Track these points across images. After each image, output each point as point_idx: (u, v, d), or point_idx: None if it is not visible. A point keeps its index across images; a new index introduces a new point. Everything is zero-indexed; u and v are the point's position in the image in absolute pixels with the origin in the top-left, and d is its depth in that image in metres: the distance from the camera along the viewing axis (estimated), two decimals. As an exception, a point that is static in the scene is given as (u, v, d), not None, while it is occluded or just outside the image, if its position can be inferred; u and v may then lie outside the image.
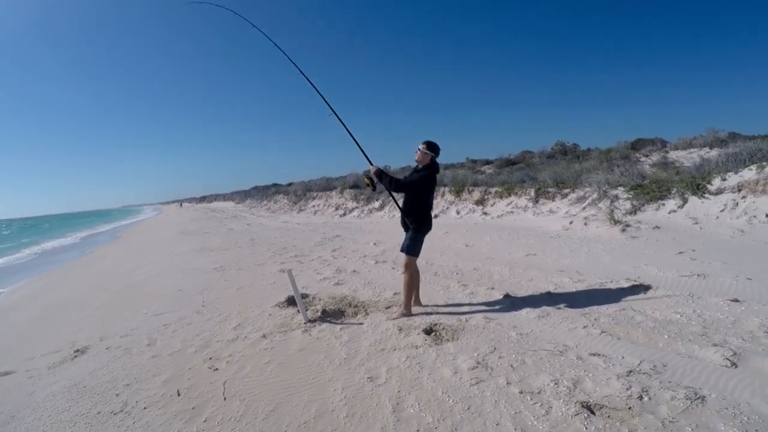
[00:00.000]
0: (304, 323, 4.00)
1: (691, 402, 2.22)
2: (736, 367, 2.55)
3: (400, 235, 4.11)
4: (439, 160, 3.99)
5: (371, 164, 4.09)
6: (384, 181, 3.87)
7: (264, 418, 2.56)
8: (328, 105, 4.46)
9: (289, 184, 34.91)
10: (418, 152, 3.87)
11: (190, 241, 12.81)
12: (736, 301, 3.52)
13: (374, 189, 4.09)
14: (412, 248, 3.91)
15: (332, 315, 4.19)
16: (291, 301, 4.59)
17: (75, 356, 3.95)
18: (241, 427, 2.50)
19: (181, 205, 67.52)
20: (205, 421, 2.60)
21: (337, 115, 4.36)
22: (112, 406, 2.91)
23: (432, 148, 3.86)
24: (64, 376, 3.54)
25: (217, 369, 3.27)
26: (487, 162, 20.43)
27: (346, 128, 4.34)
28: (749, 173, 6.78)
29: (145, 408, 2.84)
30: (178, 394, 2.95)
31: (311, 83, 4.64)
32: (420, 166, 3.91)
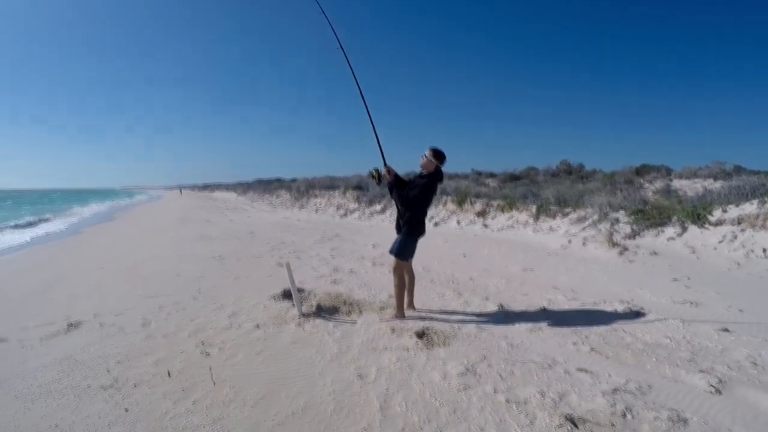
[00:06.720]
0: (299, 317, 4.02)
1: (673, 424, 2.26)
2: (720, 394, 2.58)
3: (397, 239, 4.11)
4: (445, 168, 3.92)
5: (385, 163, 3.97)
6: (393, 194, 3.87)
7: (253, 405, 2.59)
8: (357, 85, 4.23)
9: (293, 180, 34.87)
10: (424, 158, 3.81)
11: (190, 228, 12.81)
12: (726, 330, 3.55)
13: (379, 183, 4.00)
14: (401, 251, 3.88)
15: (326, 311, 4.21)
16: (286, 295, 4.61)
17: (68, 330, 3.98)
18: (228, 412, 2.53)
19: (181, 191, 66.37)
20: (193, 403, 2.64)
21: (363, 99, 4.17)
22: (102, 381, 2.95)
23: (438, 156, 3.80)
24: (56, 348, 3.58)
25: (209, 354, 3.30)
26: (492, 175, 20.52)
27: (369, 116, 4.10)
28: (750, 207, 6.78)
29: (135, 385, 2.87)
30: (169, 375, 2.98)
31: (345, 56, 4.35)
32: (424, 172, 3.87)
